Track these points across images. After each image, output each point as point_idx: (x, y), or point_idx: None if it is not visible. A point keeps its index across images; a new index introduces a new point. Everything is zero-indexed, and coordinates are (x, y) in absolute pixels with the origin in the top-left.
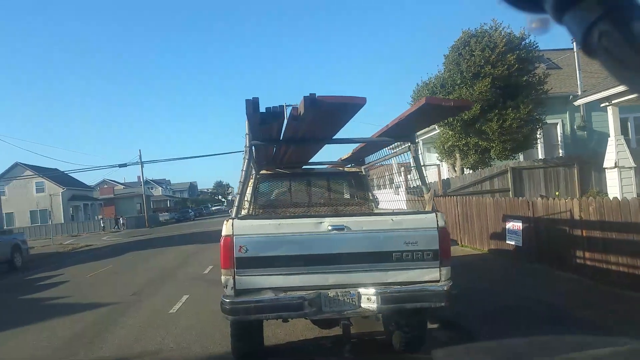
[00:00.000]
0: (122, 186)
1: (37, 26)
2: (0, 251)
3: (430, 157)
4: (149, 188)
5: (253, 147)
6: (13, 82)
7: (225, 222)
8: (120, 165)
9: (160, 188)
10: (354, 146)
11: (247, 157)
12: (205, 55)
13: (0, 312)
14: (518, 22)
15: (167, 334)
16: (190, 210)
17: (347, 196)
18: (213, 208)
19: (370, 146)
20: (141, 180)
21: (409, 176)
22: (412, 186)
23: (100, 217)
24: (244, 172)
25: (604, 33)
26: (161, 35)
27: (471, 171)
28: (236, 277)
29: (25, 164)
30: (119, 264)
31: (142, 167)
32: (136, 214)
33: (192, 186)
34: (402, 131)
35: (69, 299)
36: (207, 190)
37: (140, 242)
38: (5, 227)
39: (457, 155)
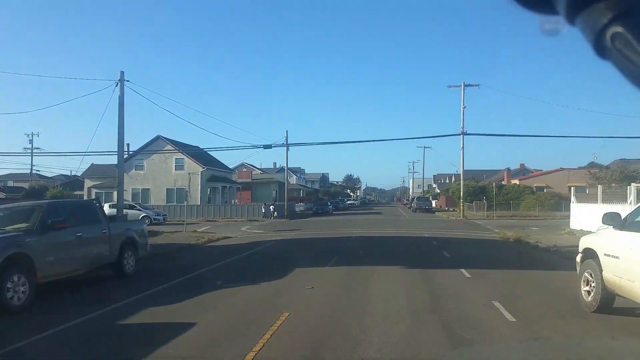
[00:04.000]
0: (260, 171)
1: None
2: (101, 247)
3: None
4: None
5: None
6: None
7: None
8: (265, 147)
9: (295, 176)
10: None
11: None
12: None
13: None
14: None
15: None
16: (328, 203)
17: None
18: (348, 202)
19: None
20: (285, 164)
21: None
22: None
23: (235, 201)
24: None
25: (617, 35)
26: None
27: None
28: None
29: (167, 138)
30: (308, 302)
31: (287, 149)
32: (271, 201)
33: (324, 177)
34: None
35: None
36: (337, 182)
37: (295, 243)
38: (132, 203)
39: None
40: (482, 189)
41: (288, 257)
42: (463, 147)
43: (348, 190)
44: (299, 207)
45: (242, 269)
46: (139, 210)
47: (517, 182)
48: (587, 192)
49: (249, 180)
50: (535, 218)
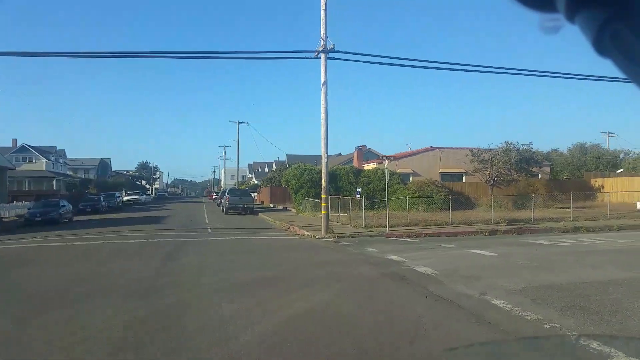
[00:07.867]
0: None
1: None
2: None
3: None
4: (23, 157)
5: None
6: None
7: None
8: None
9: (44, 160)
10: None
11: None
12: None
13: None
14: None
15: None
16: (62, 203)
17: None
18: (126, 198)
19: None
20: None
21: None
22: None
23: None
24: None
25: (616, 32)
26: None
27: None
28: None
29: None
30: None
31: None
32: None
33: (104, 164)
34: None
35: None
36: (127, 172)
37: None
38: None
39: None
40: (332, 177)
41: None
42: (326, 83)
43: (143, 182)
44: (19, 209)
45: None
46: None
47: (374, 165)
48: (464, 179)
49: None
50: (459, 225)
